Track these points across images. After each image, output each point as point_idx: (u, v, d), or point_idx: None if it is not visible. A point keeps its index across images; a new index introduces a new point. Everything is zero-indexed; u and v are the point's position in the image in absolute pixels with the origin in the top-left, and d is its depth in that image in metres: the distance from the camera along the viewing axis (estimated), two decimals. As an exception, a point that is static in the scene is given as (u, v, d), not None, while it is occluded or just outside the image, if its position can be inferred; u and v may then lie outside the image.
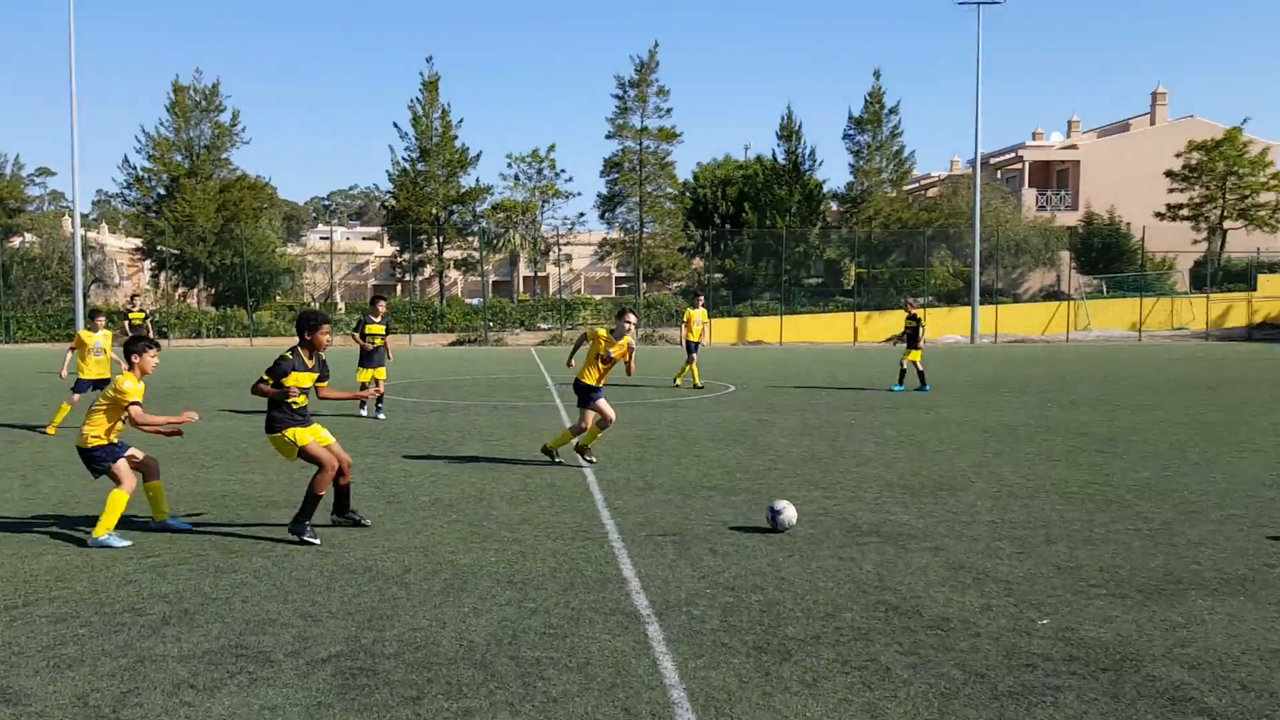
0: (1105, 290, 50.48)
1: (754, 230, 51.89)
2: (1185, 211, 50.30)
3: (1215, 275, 49.57)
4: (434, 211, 51.37)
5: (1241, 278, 50.31)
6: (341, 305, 54.31)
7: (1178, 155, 50.90)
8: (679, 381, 21.23)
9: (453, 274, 58.76)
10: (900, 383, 20.25)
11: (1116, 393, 19.00)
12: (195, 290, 54.18)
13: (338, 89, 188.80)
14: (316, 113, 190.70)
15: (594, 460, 10.87)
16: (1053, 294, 52.57)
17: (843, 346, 43.48)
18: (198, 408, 16.76)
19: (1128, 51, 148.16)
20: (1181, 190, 50.57)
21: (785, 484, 9.57)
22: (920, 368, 20.02)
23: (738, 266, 52.03)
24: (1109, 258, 51.97)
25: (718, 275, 53.43)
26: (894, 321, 47.34)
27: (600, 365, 10.88)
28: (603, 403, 10.90)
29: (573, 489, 9.40)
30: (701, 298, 23.27)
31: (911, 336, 20.16)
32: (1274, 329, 46.83)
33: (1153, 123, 62.70)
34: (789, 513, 7.63)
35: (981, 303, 46.79)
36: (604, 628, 5.44)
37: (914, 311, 20.78)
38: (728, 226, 54.11)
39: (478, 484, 9.65)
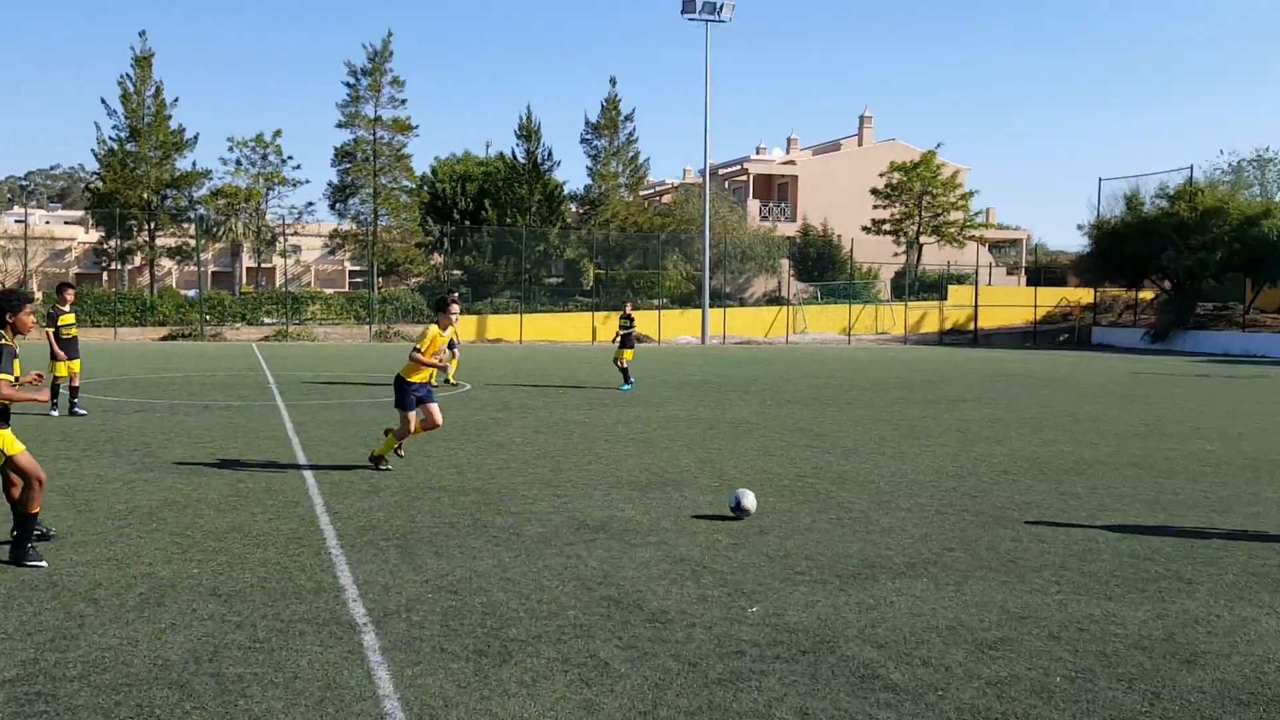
0: (819, 297, 54.12)
1: (494, 228, 51.65)
2: (887, 226, 54.79)
3: (913, 285, 54.29)
4: (145, 196, 47.43)
5: (935, 288, 55.46)
6: (39, 295, 49.14)
7: (881, 175, 55.37)
8: (450, 379, 20.67)
9: (166, 263, 54.54)
10: (627, 382, 20.71)
11: (827, 391, 20.40)
12: None
13: (39, 60, 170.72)
14: (15, 87, 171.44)
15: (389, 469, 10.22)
16: (774, 299, 55.75)
17: (582, 345, 44.11)
18: None
19: (840, 75, 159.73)
20: (884, 207, 55.04)
21: (517, 483, 9.55)
22: (625, 366, 20.65)
23: (478, 264, 51.59)
24: (823, 266, 55.88)
25: (457, 272, 52.72)
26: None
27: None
28: (432, 408, 10.26)
29: (291, 493, 8.94)
30: (456, 293, 22.90)
31: (625, 337, 20.86)
32: (961, 334, 52.01)
33: (860, 143, 67.87)
34: (748, 501, 8.14)
35: (711, 306, 48.87)
36: (316, 639, 5.19)
37: (629, 313, 21.50)
38: (467, 223, 53.52)
39: (183, 490, 8.98)
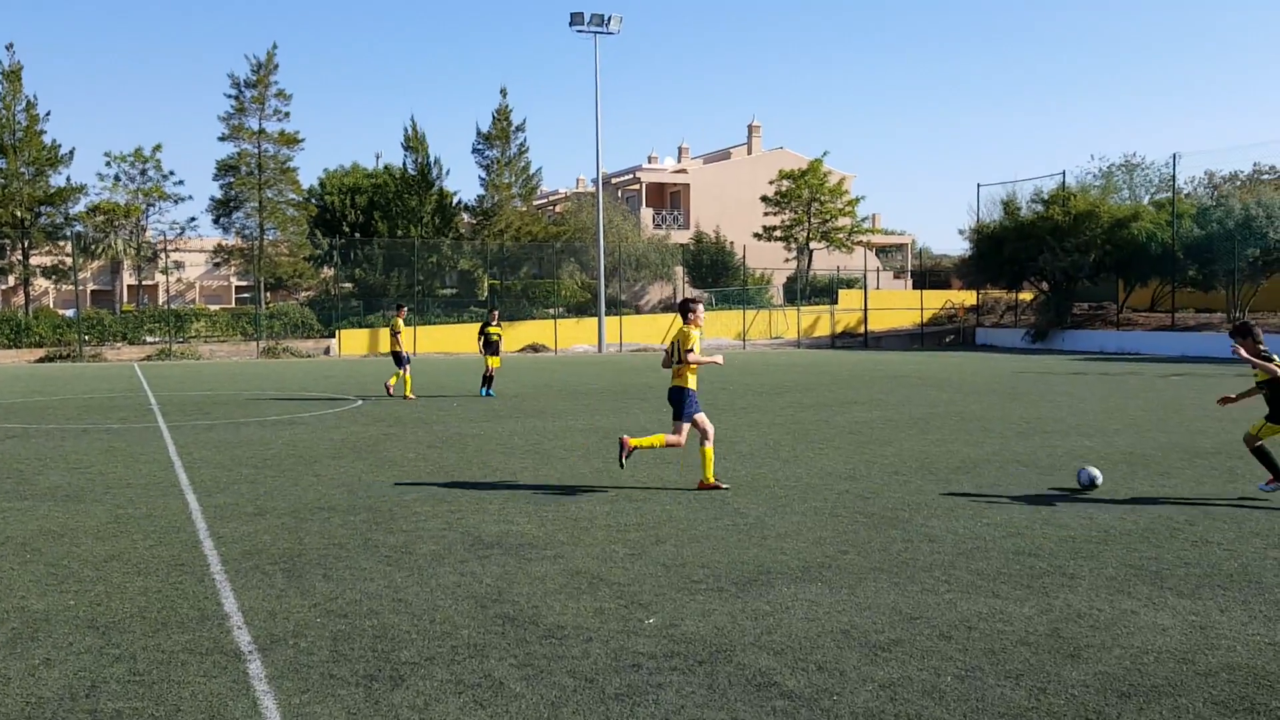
0: (714, 302, 54.72)
1: (385, 240, 50.81)
2: (778, 233, 55.71)
3: (804, 290, 55.34)
4: (18, 213, 45.29)
5: (826, 292, 56.65)
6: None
7: (770, 182, 56.34)
8: (409, 394, 20.84)
9: (42, 283, 52.06)
10: (487, 388, 21.31)
11: (722, 397, 20.62)
12: None
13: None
14: None
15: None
16: (670, 306, 56.14)
17: (476, 357, 43.62)
18: None
19: (728, 85, 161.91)
20: (775, 214, 55.98)
21: (409, 500, 9.39)
22: (491, 375, 21.32)
23: (369, 276, 50.65)
24: (717, 273, 56.52)
25: (347, 285, 51.69)
26: (528, 331, 48.42)
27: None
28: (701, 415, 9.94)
29: (173, 518, 8.61)
30: (404, 309, 22.81)
31: (493, 345, 21.43)
32: (852, 337, 53.20)
33: (749, 152, 68.98)
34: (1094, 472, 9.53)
35: (607, 314, 48.96)
36: (199, 669, 5.00)
37: (495, 320, 21.99)
38: (358, 236, 52.53)
39: (59, 518, 8.57)
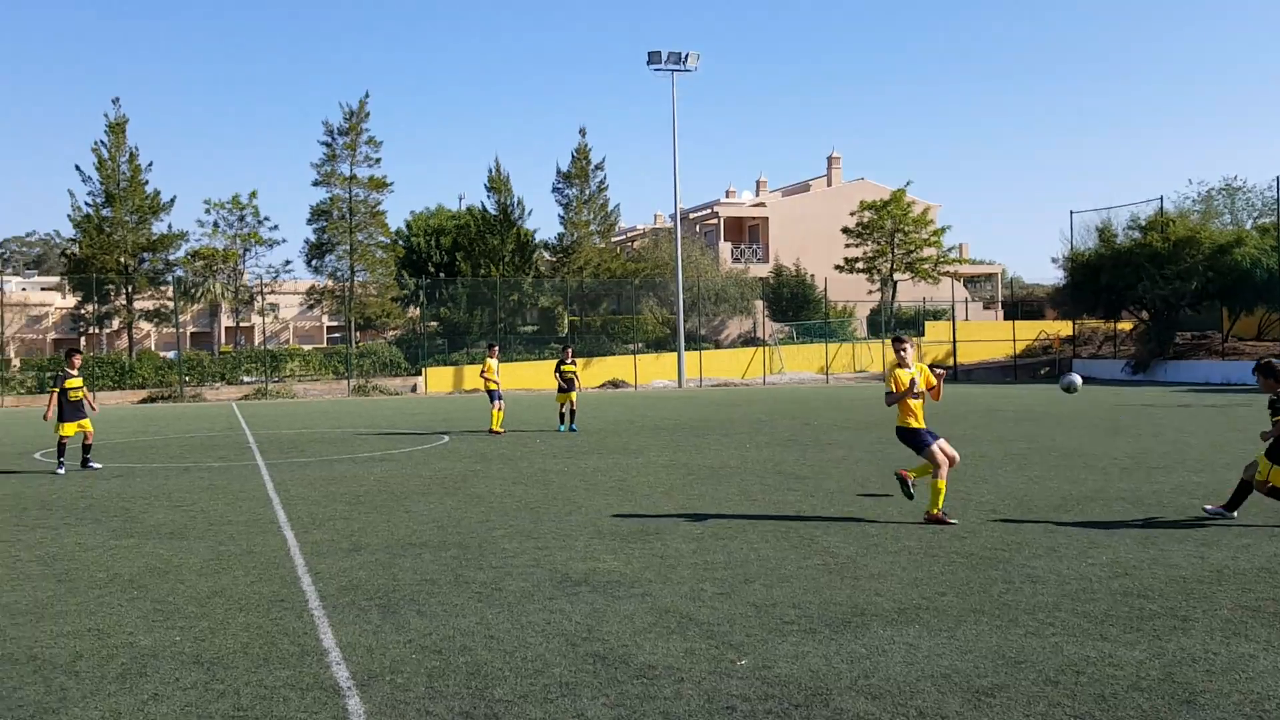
0: (795, 336, 54.33)
1: (468, 279, 51.74)
2: (860, 264, 55.13)
3: (889, 322, 54.57)
4: (122, 260, 47.34)
5: (912, 324, 55.74)
6: (16, 361, 48.70)
7: (852, 214, 55.87)
8: (497, 428, 21.57)
9: (145, 326, 54.23)
10: (564, 424, 21.94)
11: (807, 433, 20.38)
12: None
13: (12, 129, 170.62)
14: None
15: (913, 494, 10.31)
16: (750, 340, 55.93)
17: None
18: None
19: (807, 118, 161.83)
20: (856, 245, 55.45)
21: (498, 536, 9.46)
22: (574, 408, 22.02)
23: (453, 315, 51.59)
24: (797, 306, 56.15)
25: (433, 324, 52.68)
26: (608, 366, 48.70)
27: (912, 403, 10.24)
28: (941, 443, 10.22)
29: (271, 555, 8.82)
30: (496, 348, 23.81)
31: (569, 382, 22.09)
32: (941, 369, 52.24)
33: (829, 184, 68.61)
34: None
35: (687, 349, 48.97)
36: (300, 705, 5.09)
37: (569, 358, 22.72)
38: (442, 275, 53.61)
39: (164, 555, 8.85)
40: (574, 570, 8.04)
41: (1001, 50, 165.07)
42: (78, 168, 48.19)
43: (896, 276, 55.58)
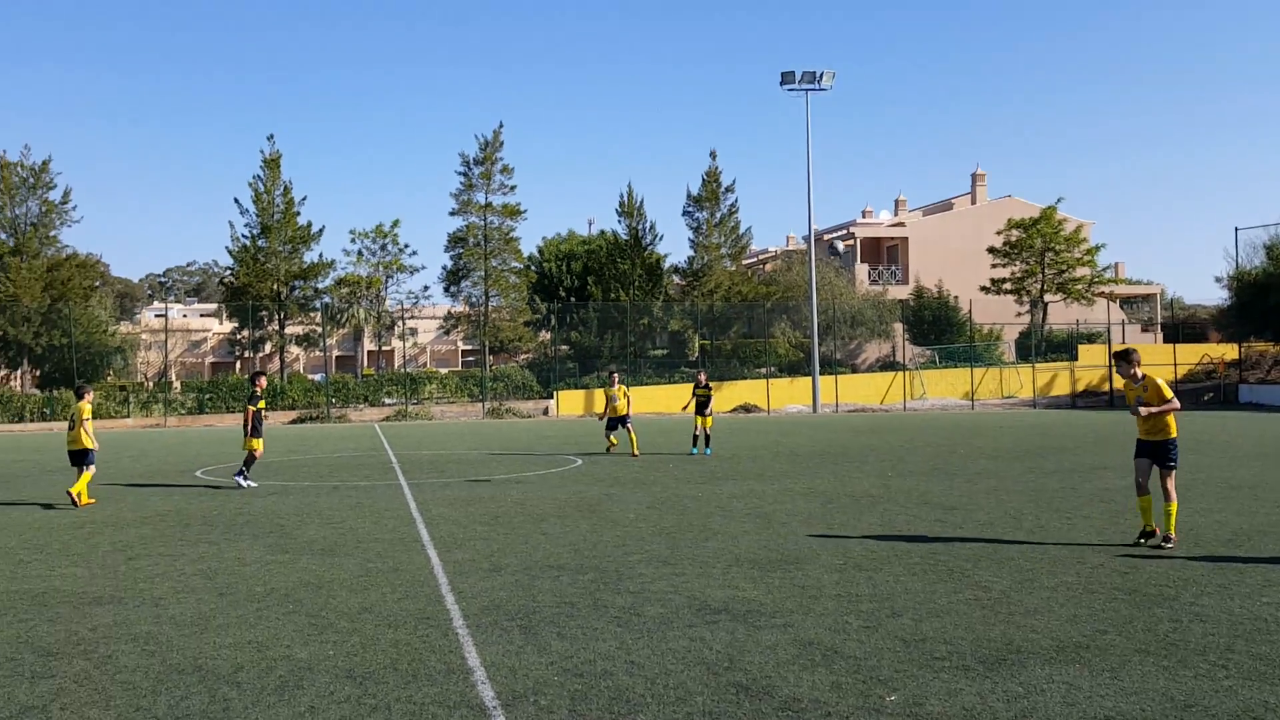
0: (938, 360, 52.89)
1: (599, 303, 52.37)
2: (1008, 285, 53.32)
3: (1039, 345, 52.57)
4: (275, 287, 49.89)
5: (1064, 348, 53.53)
6: (177, 384, 51.72)
7: (998, 233, 54.16)
8: (635, 451, 22.03)
9: (294, 350, 56.86)
10: (696, 446, 22.21)
11: (953, 461, 19.76)
12: (19, 372, 50.63)
13: (178, 165, 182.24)
14: (153, 189, 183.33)
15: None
16: (889, 364, 54.77)
17: (688, 417, 43.97)
18: (17, 497, 15.53)
19: (948, 135, 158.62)
20: (1004, 265, 53.65)
21: (634, 561, 9.45)
22: (709, 433, 22.28)
23: (584, 339, 52.29)
24: (939, 329, 54.59)
25: (564, 347, 53.49)
26: (739, 391, 48.42)
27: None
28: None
29: (416, 572, 9.03)
30: (617, 375, 23.80)
31: (702, 404, 22.22)
32: (1095, 396, 49.87)
33: (974, 202, 66.74)
34: None
35: (821, 373, 48.27)
36: (448, 725, 5.16)
37: (703, 381, 22.90)
38: (573, 300, 54.45)
39: (317, 571, 9.16)
40: (713, 598, 7.94)
41: (1158, 56, 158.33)
42: (236, 201, 51.14)
43: (1047, 298, 53.59)
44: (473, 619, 7.29)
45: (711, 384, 23.80)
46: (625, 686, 5.73)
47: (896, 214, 71.02)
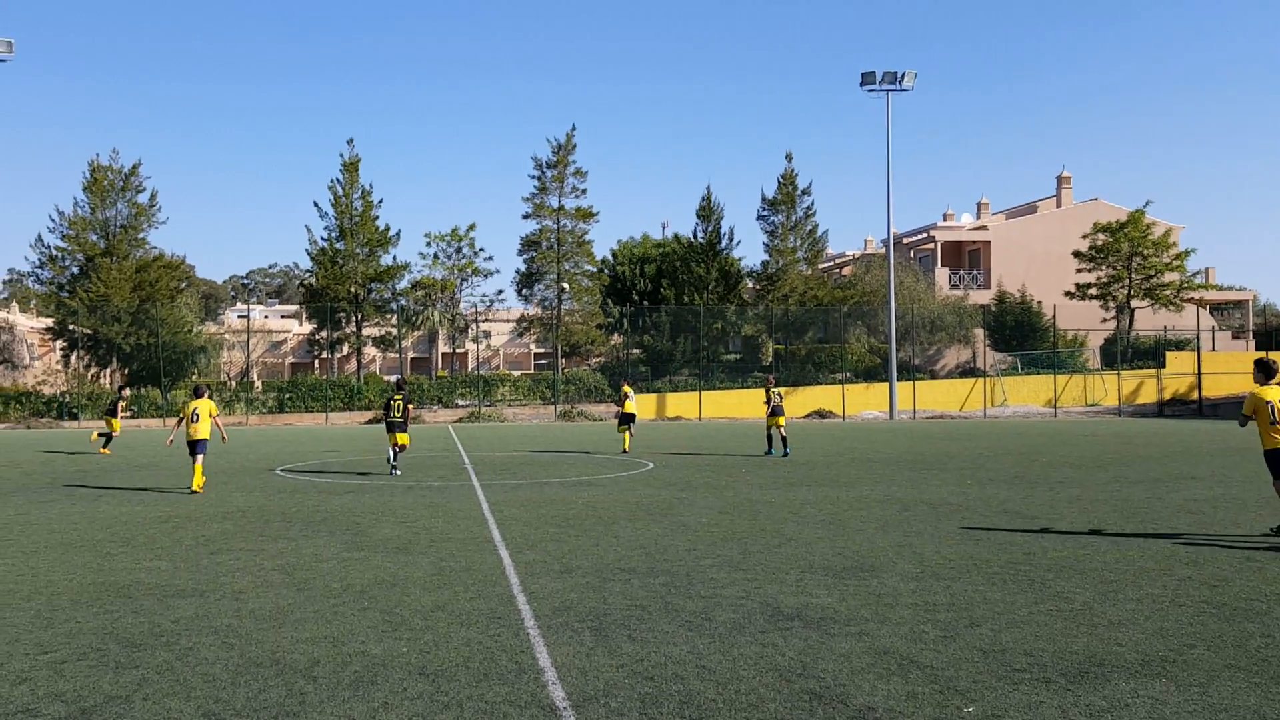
0: (1020, 367, 51.79)
1: (672, 307, 52.35)
2: (1094, 291, 51.97)
3: (1125, 352, 51.15)
4: (353, 289, 50.87)
5: (1151, 355, 52.00)
6: (259, 383, 53.09)
7: (1084, 236, 52.83)
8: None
9: (371, 351, 57.95)
10: (771, 449, 23.42)
11: (1034, 469, 19.29)
12: (108, 370, 52.47)
13: (259, 169, 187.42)
14: (238, 192, 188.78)
15: None
16: (969, 370, 53.77)
17: (762, 422, 43.67)
18: (106, 492, 16.06)
19: (1033, 136, 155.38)
20: (1089, 270, 52.30)
21: (705, 566, 9.38)
22: (784, 434, 23.10)
23: (656, 343, 52.31)
24: (1022, 335, 53.43)
25: (636, 351, 53.58)
26: (814, 396, 47.98)
27: (1271, 428, 10.80)
28: None
29: (488, 572, 9.09)
30: (625, 382, 26.64)
31: (776, 408, 23.23)
32: (1183, 405, 48.31)
33: (1059, 205, 65.22)
34: None
35: (899, 379, 47.58)
36: (518, 725, 5.16)
37: (773, 387, 23.63)
38: (646, 303, 54.50)
39: (391, 569, 9.28)
40: (785, 604, 7.84)
41: (1250, 55, 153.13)
42: (315, 204, 52.30)
43: (1134, 303, 52.15)
44: (544, 620, 7.30)
45: (783, 389, 24.60)
46: (696, 691, 5.68)
47: (979, 217, 69.73)
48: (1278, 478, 10.92)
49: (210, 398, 16.69)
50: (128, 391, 27.98)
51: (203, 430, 16.05)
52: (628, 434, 24.47)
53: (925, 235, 65.10)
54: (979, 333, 54.29)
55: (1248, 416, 11.04)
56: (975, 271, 62.77)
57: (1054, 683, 5.84)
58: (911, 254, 64.79)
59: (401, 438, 19.01)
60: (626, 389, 25.53)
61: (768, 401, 23.29)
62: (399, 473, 18.60)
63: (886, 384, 47.53)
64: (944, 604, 7.83)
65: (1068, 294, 52.23)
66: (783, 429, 23.08)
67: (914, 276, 56.74)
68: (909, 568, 9.30)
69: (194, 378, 50.86)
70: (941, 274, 61.01)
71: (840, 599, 8.00)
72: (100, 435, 26.06)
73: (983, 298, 57.69)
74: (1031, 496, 14.92)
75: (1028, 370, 51.00)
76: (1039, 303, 53.82)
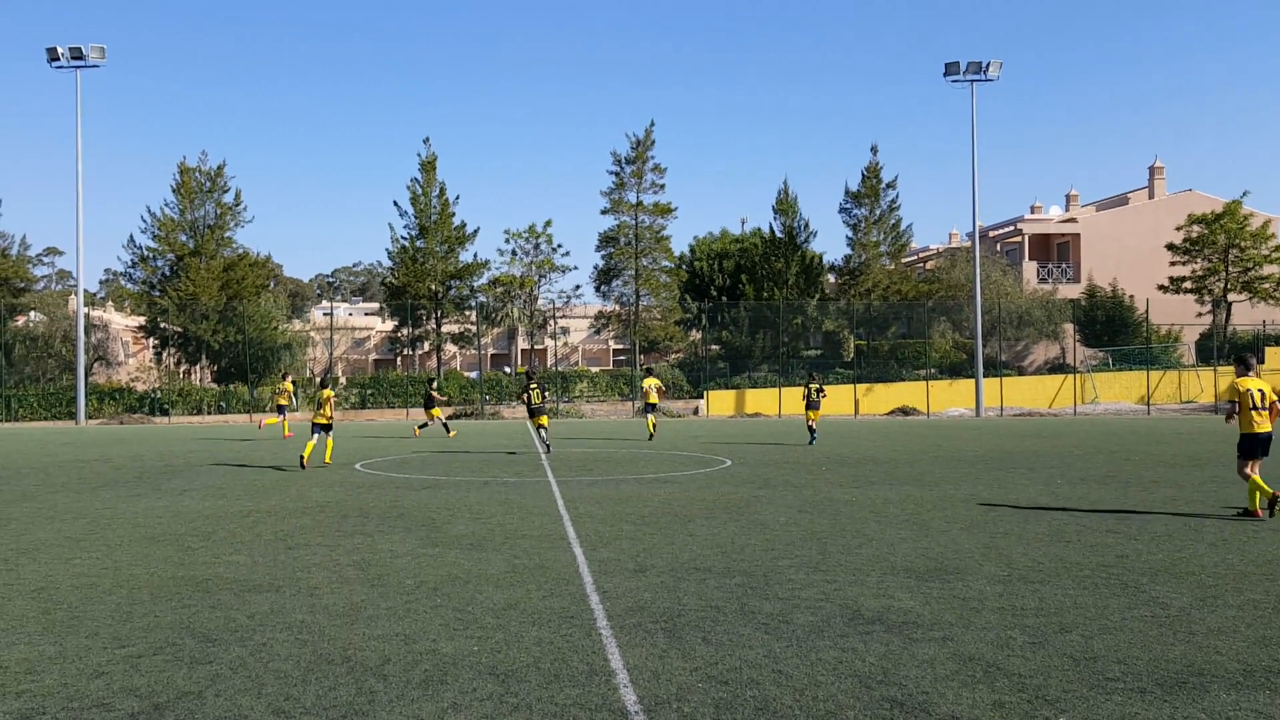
0: (1111, 362, 50.27)
1: (750, 302, 51.93)
2: (1188, 284, 50.22)
3: (1222, 348, 49.30)
4: (432, 287, 51.51)
5: (1249, 350, 50.05)
6: (342, 379, 54.18)
7: (1178, 228, 51.05)
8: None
9: (450, 348, 58.67)
10: (812, 439, 25.95)
11: (1127, 468, 18.61)
12: (198, 367, 54.06)
13: (344, 169, 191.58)
14: (324, 192, 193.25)
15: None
16: (1058, 366, 52.36)
17: (843, 419, 43.11)
18: (191, 486, 16.47)
19: (1124, 125, 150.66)
20: (1183, 263, 50.55)
21: (783, 566, 9.18)
22: (813, 425, 26.21)
23: (734, 339, 51.95)
24: (1113, 330, 51.85)
25: (715, 347, 53.28)
26: (897, 393, 47.23)
27: (1252, 413, 12.25)
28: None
29: (562, 570, 9.01)
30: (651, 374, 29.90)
31: (813, 401, 26.33)
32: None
33: (1151, 196, 63.16)
34: None
35: (985, 375, 46.52)
36: (588, 728, 5.05)
37: (812, 384, 26.73)
38: (724, 299, 54.16)
39: (465, 566, 9.27)
40: (866, 607, 7.61)
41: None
42: (395, 203, 53.07)
43: (1231, 297, 50.18)
44: (617, 620, 7.19)
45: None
46: (772, 697, 5.51)
47: (1068, 209, 67.83)
48: (1245, 461, 12.18)
49: (330, 389, 20.41)
50: (435, 383, 32.79)
51: (328, 415, 20.05)
52: (651, 420, 28.19)
53: (1012, 228, 63.56)
54: (1068, 328, 52.79)
55: (1231, 402, 12.49)
56: (1064, 265, 61.08)
57: (1149, 693, 5.54)
58: (998, 247, 63.30)
59: (543, 419, 22.58)
60: (650, 383, 29.02)
61: (806, 397, 26.45)
62: (552, 450, 22.03)
63: (972, 380, 46.50)
64: (1032, 609, 7.51)
65: (1161, 288, 50.52)
66: (814, 420, 26.32)
67: (1000, 270, 55.42)
68: (995, 570, 8.98)
69: (279, 374, 52.12)
70: (1029, 267, 59.52)
71: (923, 602, 7.74)
72: (423, 426, 30.69)
73: (1072, 292, 56.15)
74: (1124, 496, 14.36)
75: (1120, 366, 49.45)
76: (1131, 297, 52.18)
